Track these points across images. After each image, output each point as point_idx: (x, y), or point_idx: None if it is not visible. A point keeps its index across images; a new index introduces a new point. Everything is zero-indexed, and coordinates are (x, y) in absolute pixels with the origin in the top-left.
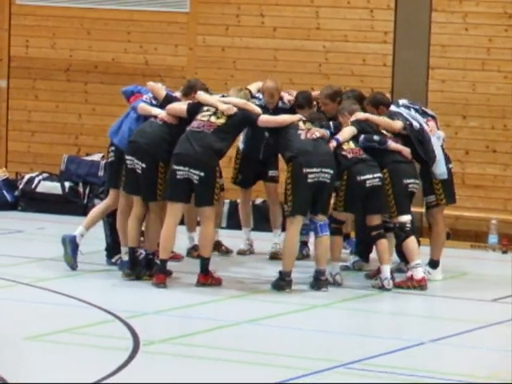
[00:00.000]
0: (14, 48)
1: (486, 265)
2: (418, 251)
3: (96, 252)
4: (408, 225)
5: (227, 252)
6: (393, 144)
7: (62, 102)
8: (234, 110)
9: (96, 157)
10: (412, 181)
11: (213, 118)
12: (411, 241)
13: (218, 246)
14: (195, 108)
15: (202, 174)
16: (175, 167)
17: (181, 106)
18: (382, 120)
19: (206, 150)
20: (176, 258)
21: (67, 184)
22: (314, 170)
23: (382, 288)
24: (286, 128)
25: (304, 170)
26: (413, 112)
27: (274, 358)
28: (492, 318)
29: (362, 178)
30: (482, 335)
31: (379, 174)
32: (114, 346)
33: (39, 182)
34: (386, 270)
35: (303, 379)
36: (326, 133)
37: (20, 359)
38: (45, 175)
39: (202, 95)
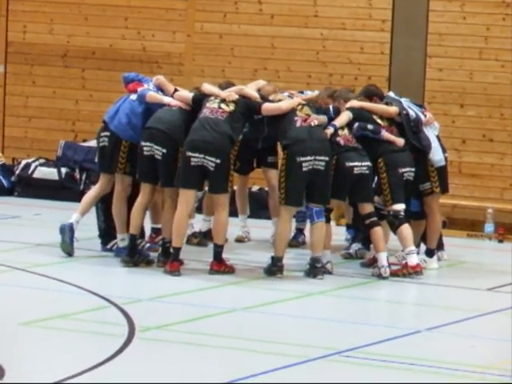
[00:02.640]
0: (12, 33)
1: (483, 254)
2: (412, 238)
3: (91, 238)
4: (402, 213)
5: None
6: (386, 134)
7: (60, 88)
8: (235, 96)
9: (93, 143)
10: (407, 169)
11: (223, 105)
12: (405, 228)
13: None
14: (200, 97)
15: (219, 160)
16: (189, 154)
17: (187, 94)
18: (376, 106)
19: (222, 136)
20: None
21: (64, 170)
22: (308, 158)
23: (379, 276)
24: (285, 114)
25: (298, 159)
26: (409, 103)
27: (269, 345)
28: (488, 306)
29: (351, 164)
30: (478, 324)
31: (368, 163)
32: (110, 333)
33: (36, 167)
34: (383, 258)
35: (298, 367)
36: (324, 118)
37: (15, 345)
38: (41, 161)
39: (206, 86)
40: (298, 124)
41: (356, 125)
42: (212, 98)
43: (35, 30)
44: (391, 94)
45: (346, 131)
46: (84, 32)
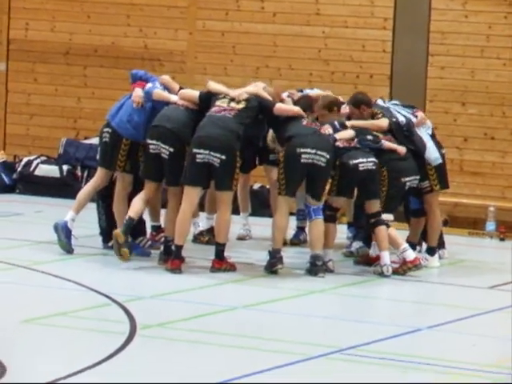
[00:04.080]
0: (14, 31)
1: (484, 252)
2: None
3: (92, 236)
4: (387, 221)
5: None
6: (387, 143)
7: (61, 86)
8: (245, 95)
9: (94, 140)
10: (412, 178)
11: (232, 103)
12: (391, 230)
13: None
14: (207, 95)
15: (224, 157)
16: (195, 150)
17: (193, 92)
18: (367, 123)
19: (227, 133)
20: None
21: (65, 167)
22: (309, 150)
23: (381, 274)
24: (292, 118)
25: (298, 150)
26: (397, 107)
27: (270, 343)
28: (489, 305)
29: (355, 161)
30: (479, 322)
31: (373, 159)
32: (111, 330)
33: (37, 165)
34: (386, 257)
35: (299, 365)
36: (330, 131)
37: (16, 342)
38: (43, 158)
39: (212, 84)
40: (304, 123)
41: (355, 141)
42: (222, 95)
43: (37, 27)
44: (379, 101)
45: None
46: (86, 29)
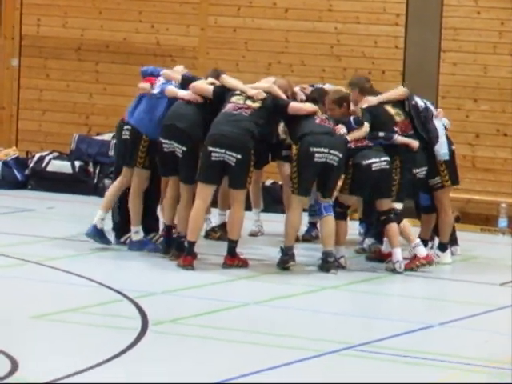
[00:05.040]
0: (26, 27)
1: (496, 248)
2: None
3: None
4: (398, 211)
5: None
6: (399, 138)
7: (73, 82)
8: (264, 94)
9: (106, 136)
10: (421, 169)
11: (249, 102)
12: (405, 223)
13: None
14: (222, 90)
15: (240, 156)
16: (210, 149)
17: (206, 86)
18: (390, 94)
19: (243, 132)
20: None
21: (77, 163)
22: (322, 149)
23: (393, 271)
24: (305, 115)
25: (311, 149)
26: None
27: (282, 339)
28: (501, 301)
29: (368, 161)
30: (491, 319)
31: (386, 158)
32: (123, 326)
33: (49, 160)
34: (397, 253)
35: (312, 361)
36: (344, 131)
37: (27, 338)
38: (55, 154)
39: (226, 79)
40: (317, 121)
41: (367, 137)
42: (238, 92)
43: (49, 23)
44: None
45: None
46: (98, 25)
